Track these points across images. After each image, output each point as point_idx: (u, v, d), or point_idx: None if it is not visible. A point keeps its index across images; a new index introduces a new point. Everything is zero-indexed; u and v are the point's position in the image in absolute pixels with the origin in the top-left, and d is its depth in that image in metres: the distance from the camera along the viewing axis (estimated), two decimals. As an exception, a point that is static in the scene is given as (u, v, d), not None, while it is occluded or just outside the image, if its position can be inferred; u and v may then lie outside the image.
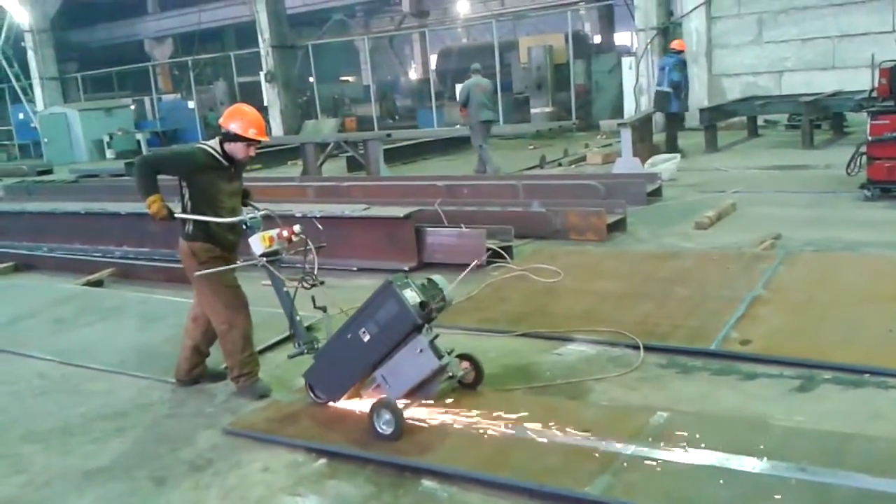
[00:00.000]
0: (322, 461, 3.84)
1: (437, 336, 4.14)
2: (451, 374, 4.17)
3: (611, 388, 4.44)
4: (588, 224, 8.06)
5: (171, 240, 8.78)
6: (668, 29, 17.90)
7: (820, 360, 4.49)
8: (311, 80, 25.28)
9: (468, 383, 4.34)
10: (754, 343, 4.79)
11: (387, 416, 3.87)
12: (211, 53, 29.57)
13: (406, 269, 7.30)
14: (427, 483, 3.55)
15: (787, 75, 16.63)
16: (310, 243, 4.50)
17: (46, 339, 6.18)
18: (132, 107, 27.68)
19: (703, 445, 3.54)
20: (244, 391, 4.69)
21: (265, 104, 24.09)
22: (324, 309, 4.42)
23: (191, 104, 27.30)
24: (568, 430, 3.77)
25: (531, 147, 17.10)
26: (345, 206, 8.37)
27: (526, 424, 3.88)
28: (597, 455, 3.54)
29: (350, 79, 35.07)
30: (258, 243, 4.46)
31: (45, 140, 25.00)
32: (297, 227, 4.52)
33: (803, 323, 5.09)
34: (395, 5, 33.94)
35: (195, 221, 4.56)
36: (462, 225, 7.62)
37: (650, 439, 3.64)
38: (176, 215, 4.55)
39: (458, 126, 21.35)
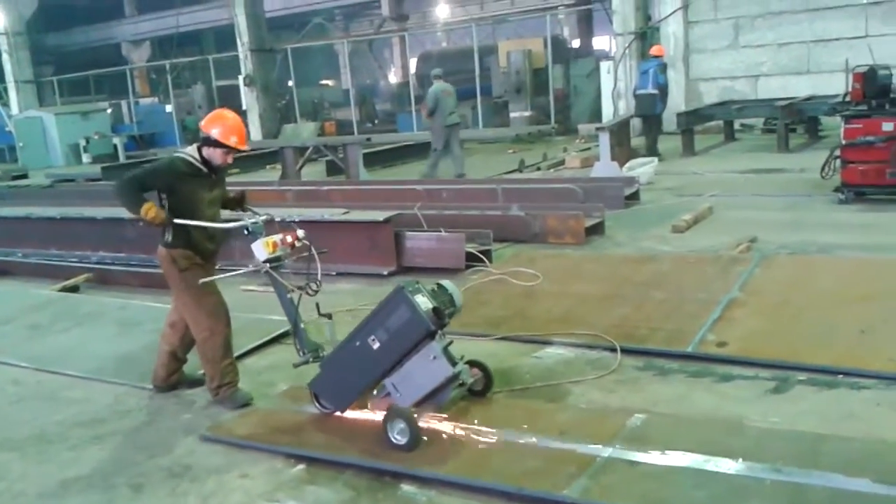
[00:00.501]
0: (300, 467, 3.83)
1: (450, 343, 4.07)
2: (461, 381, 4.08)
3: (589, 390, 4.47)
4: (566, 227, 8.11)
5: (148, 245, 8.73)
6: (646, 34, 18.03)
7: (795, 361, 4.55)
8: (291, 83, 25.20)
9: (478, 391, 4.26)
10: (730, 345, 4.84)
11: (401, 425, 3.76)
12: (189, 57, 29.44)
13: (385, 273, 7.31)
14: (406, 487, 3.56)
15: (763, 79, 16.81)
16: (312, 248, 4.38)
17: (22, 346, 6.12)
18: (109, 111, 27.40)
19: (679, 447, 3.57)
20: (224, 401, 4.62)
21: (244, 108, 23.99)
22: (329, 316, 4.33)
23: (168, 108, 27.13)
24: (546, 433, 3.79)
25: (511, 151, 17.16)
26: (324, 211, 8.36)
27: (505, 428, 3.89)
28: (575, 458, 3.56)
29: (329, 82, 35.03)
30: (261, 249, 4.33)
31: (21, 144, 24.69)
32: (300, 232, 4.42)
33: (778, 325, 5.15)
34: (374, 9, 33.94)
35: (175, 229, 4.47)
36: (441, 229, 7.64)
37: (627, 441, 3.67)
38: (176, 221, 4.42)
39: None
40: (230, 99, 24.91)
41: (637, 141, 14.68)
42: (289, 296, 4.38)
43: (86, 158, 23.79)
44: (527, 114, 20.47)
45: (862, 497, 3.10)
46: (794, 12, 16.30)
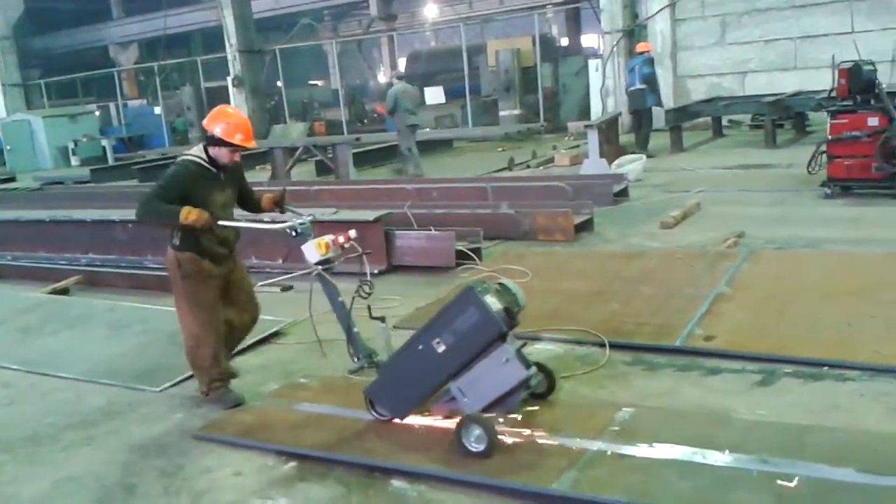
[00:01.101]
0: (292, 464, 3.86)
1: (523, 345, 3.94)
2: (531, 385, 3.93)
3: (578, 385, 4.50)
4: (556, 225, 8.15)
5: (137, 247, 8.81)
6: (634, 31, 18.11)
7: (781, 354, 4.59)
8: (280, 84, 25.19)
9: (540, 393, 4.10)
10: (718, 339, 4.89)
11: (477, 431, 3.60)
12: (177, 58, 29.35)
13: (375, 272, 7.32)
14: (396, 483, 3.59)
15: (750, 76, 16.89)
16: (359, 249, 4.23)
17: (12, 349, 6.12)
18: (97, 113, 27.35)
19: (667, 440, 3.61)
20: (216, 401, 4.62)
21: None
22: (382, 319, 4.16)
23: (157, 110, 27.05)
24: (535, 427, 3.83)
25: (500, 149, 17.20)
26: (314, 210, 8.36)
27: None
28: (564, 452, 3.60)
29: (319, 83, 34.99)
30: (313, 251, 4.14)
31: (8, 148, 24.59)
32: (352, 233, 4.26)
33: (765, 319, 5.20)
34: (363, 9, 33.94)
35: (183, 231, 4.33)
36: (431, 228, 7.67)
37: (616, 435, 3.71)
38: (220, 222, 4.32)
39: (428, 129, 21.45)
40: (219, 100, 24.77)
41: (626, 138, 14.75)
42: (340, 299, 4.21)
43: (74, 161, 23.73)
44: (516, 112, 20.52)
45: (846, 486, 3.15)
46: (780, 9, 16.39)
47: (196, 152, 4.42)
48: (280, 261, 7.72)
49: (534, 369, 3.89)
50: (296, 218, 4.40)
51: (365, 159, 16.24)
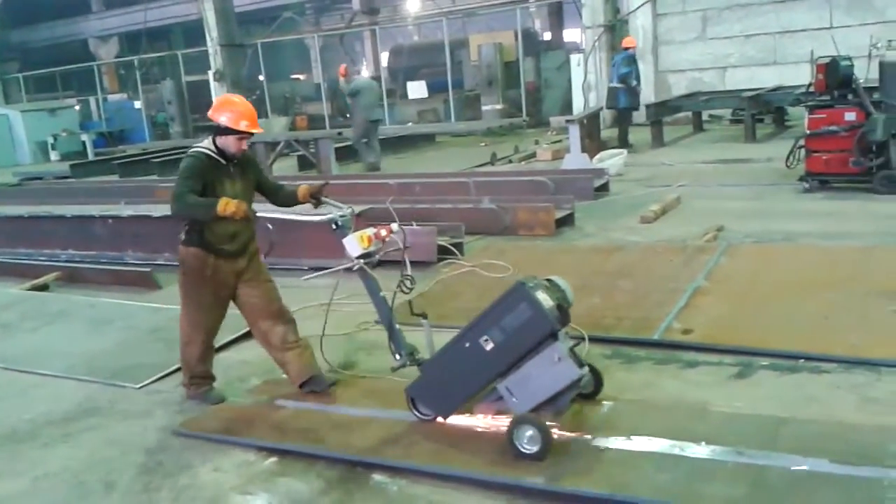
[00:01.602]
0: (273, 459, 3.86)
1: (577, 344, 3.80)
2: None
3: (558, 379, 4.52)
4: (537, 220, 8.19)
5: (118, 242, 8.76)
6: (616, 26, 18.18)
7: (758, 347, 4.64)
8: (261, 78, 25.08)
9: (588, 393, 3.99)
10: (696, 332, 4.93)
11: (530, 432, 3.48)
12: (158, 52, 29.14)
13: (355, 268, 7.32)
14: (377, 477, 3.60)
15: (730, 71, 17.03)
16: (400, 244, 4.10)
17: (-9, 346, 6.08)
18: (77, 107, 27.14)
19: (645, 432, 3.65)
20: (196, 398, 4.62)
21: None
22: (424, 316, 4.06)
23: (137, 104, 26.90)
24: (515, 421, 3.86)
25: (483, 144, 17.23)
26: (295, 207, 8.35)
27: (475, 415, 3.94)
28: (543, 445, 3.62)
29: (301, 77, 34.86)
30: (355, 244, 4.04)
31: (-13, 142, 24.41)
32: (394, 226, 4.15)
33: (743, 312, 5.26)
34: (345, 3, 33.85)
35: (191, 225, 4.26)
36: (413, 223, 7.67)
37: (595, 428, 3.75)
38: (259, 214, 4.22)
39: (411, 123, 21.47)
40: (200, 94, 24.77)
41: (608, 133, 14.81)
42: (382, 294, 4.12)
43: (54, 156, 23.57)
44: (498, 107, 20.57)
45: (819, 477, 3.20)
46: (760, 4, 16.53)
47: (206, 144, 4.33)
48: (262, 256, 7.68)
49: (586, 369, 3.79)
50: (335, 210, 4.28)
51: (347, 154, 16.20)
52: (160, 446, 4.14)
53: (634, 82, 14.10)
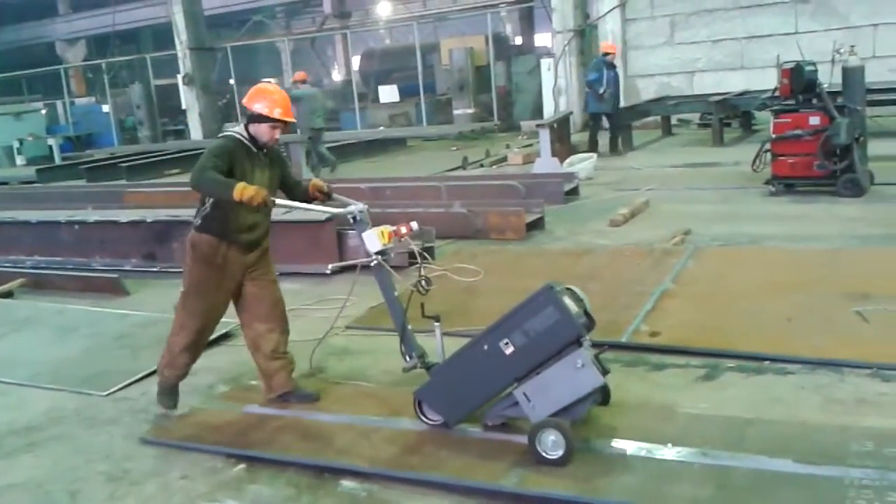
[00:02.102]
0: (241, 466, 3.83)
1: (602, 351, 3.77)
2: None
3: (527, 383, 4.54)
4: (508, 223, 8.22)
5: (85, 248, 8.66)
6: (585, 31, 18.32)
7: (724, 349, 4.70)
8: (232, 82, 24.91)
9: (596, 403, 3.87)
10: (663, 335, 4.98)
11: (553, 437, 3.43)
12: (126, 55, 28.84)
13: (328, 272, 7.31)
14: (346, 483, 3.59)
15: (698, 75, 17.23)
16: (412, 244, 4.06)
17: (-47, 354, 5.97)
18: (43, 111, 26.73)
19: (612, 435, 3.68)
20: (160, 390, 4.52)
21: (183, 107, 23.65)
22: (436, 318, 3.98)
23: (105, 108, 26.56)
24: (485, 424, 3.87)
25: (454, 148, 17.27)
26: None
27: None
28: (512, 448, 3.63)
29: (272, 81, 34.64)
30: (375, 239, 3.97)
31: (-49, 147, 23.97)
32: (414, 224, 4.08)
33: (709, 314, 5.32)
34: (316, 6, 33.73)
35: (211, 209, 4.15)
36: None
37: (563, 431, 3.77)
38: (278, 202, 4.08)
39: (382, 127, 21.46)
40: (169, 98, 24.56)
41: (578, 137, 14.90)
42: (396, 293, 4.07)
43: (20, 160, 23.21)
44: (470, 111, 20.63)
45: (783, 477, 3.24)
46: (727, 9, 16.76)
47: (239, 129, 4.26)
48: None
49: (609, 376, 3.74)
50: (352, 206, 4.22)
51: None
52: (127, 454, 4.09)
53: (602, 88, 13.74)
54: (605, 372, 3.65)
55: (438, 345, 3.98)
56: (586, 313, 3.63)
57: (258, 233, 4.34)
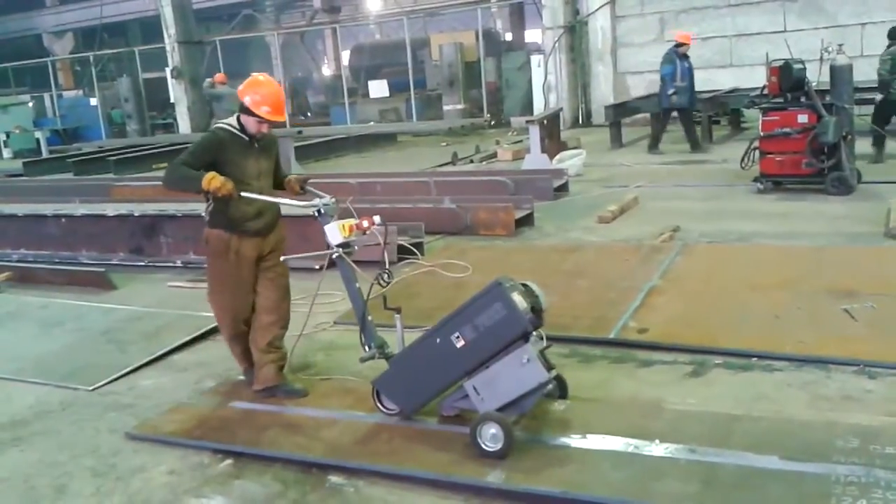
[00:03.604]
0: (228, 462, 3.82)
1: (548, 346, 3.83)
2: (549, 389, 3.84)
3: (515, 379, 4.54)
4: (497, 219, 8.22)
5: (71, 242, 8.60)
6: (575, 28, 18.32)
7: (711, 346, 4.72)
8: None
9: (554, 397, 3.99)
10: (651, 331, 5.00)
11: (493, 430, 3.49)
12: (114, 48, 28.64)
13: (317, 267, 7.27)
14: (333, 479, 3.59)
15: (688, 73, 17.22)
16: (379, 237, 4.16)
17: (-62, 348, 5.92)
18: (30, 104, 26.53)
19: (600, 431, 3.69)
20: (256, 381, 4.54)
21: (172, 101, 23.52)
22: (397, 311, 4.04)
23: (93, 101, 26.37)
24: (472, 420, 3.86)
25: (444, 144, 17.24)
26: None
27: (430, 416, 3.94)
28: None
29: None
30: (336, 232, 4.08)
31: (-64, 139, 23.76)
32: (377, 218, 4.16)
33: (697, 311, 5.34)
34: (306, 0, 33.58)
35: (214, 205, 4.22)
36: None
37: (550, 427, 3.77)
38: (243, 194, 4.13)
39: (372, 123, 21.40)
40: (158, 91, 24.42)
41: (567, 133, 14.89)
42: (357, 285, 4.13)
43: (6, 153, 23.06)
44: (460, 107, 20.58)
45: (769, 473, 3.26)
46: (716, 7, 16.78)
47: (230, 120, 4.32)
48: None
49: (555, 372, 3.80)
50: (318, 199, 4.27)
51: (308, 153, 16.10)
52: (113, 449, 4.07)
53: (676, 82, 12.52)
54: (550, 367, 3.72)
55: (399, 336, 4.04)
56: (535, 310, 3.67)
57: (266, 218, 4.38)
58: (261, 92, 4.22)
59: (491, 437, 3.50)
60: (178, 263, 7.93)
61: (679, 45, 12.89)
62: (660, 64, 13.08)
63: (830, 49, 9.08)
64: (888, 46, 10.50)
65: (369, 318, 4.10)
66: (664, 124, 13.39)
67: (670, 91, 12.62)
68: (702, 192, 9.64)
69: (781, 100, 9.13)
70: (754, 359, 4.53)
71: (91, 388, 4.90)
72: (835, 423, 3.70)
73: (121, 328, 5.97)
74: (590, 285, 5.99)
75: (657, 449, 3.51)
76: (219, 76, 15.71)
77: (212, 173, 4.03)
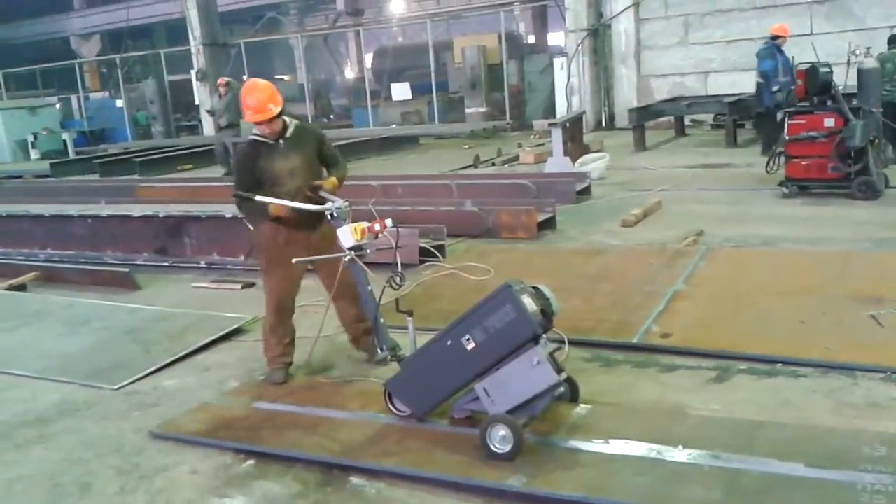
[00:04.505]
0: (250, 462, 3.84)
1: (557, 349, 3.87)
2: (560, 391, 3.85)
3: (537, 382, 4.53)
4: (519, 222, 8.20)
5: (97, 242, 8.70)
6: (599, 30, 18.26)
7: (735, 351, 4.67)
8: (245, 78, 24.94)
9: (565, 401, 3.99)
10: (674, 336, 4.95)
11: (502, 432, 3.49)
12: (140, 51, 28.96)
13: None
14: (355, 480, 3.59)
15: (712, 76, 17.12)
16: (391, 240, 4.21)
17: (-34, 346, 6.01)
18: (58, 106, 26.90)
19: (622, 436, 3.66)
20: (266, 376, 4.76)
21: (196, 103, 23.72)
22: (409, 313, 4.07)
23: (119, 103, 26.70)
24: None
25: (466, 147, 17.24)
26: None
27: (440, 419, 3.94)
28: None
29: (285, 77, 34.72)
30: (349, 235, 4.18)
31: (-34, 140, 24.12)
32: (388, 222, 4.22)
33: (721, 316, 5.28)
34: (329, 3, 33.78)
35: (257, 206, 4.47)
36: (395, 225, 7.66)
37: (572, 431, 3.76)
38: (256, 198, 4.41)
39: (394, 125, 21.47)
40: (183, 94, 24.65)
41: (590, 136, 14.82)
42: (369, 288, 4.23)
43: (34, 155, 23.36)
44: (482, 109, 20.60)
45: (794, 481, 3.22)
46: (742, 10, 16.65)
47: (256, 129, 4.54)
48: (242, 258, 7.68)
49: (564, 375, 3.80)
50: (331, 203, 4.43)
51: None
52: (136, 448, 4.11)
53: (778, 79, 11.71)
54: (559, 370, 3.72)
55: (411, 339, 4.08)
56: (545, 312, 3.68)
57: (304, 213, 4.49)
58: (246, 101, 4.43)
59: (500, 438, 3.51)
60: (202, 264, 7.99)
61: (776, 37, 12.17)
62: (758, 60, 12.25)
63: (857, 52, 8.98)
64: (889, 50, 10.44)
65: (382, 320, 4.17)
66: (775, 124, 11.17)
67: (774, 88, 11.71)
68: (726, 196, 9.56)
69: (808, 103, 9.02)
70: (779, 365, 4.48)
71: (116, 387, 4.94)
72: (861, 430, 3.65)
73: (145, 328, 6.03)
74: (612, 289, 5.96)
75: (680, 455, 3.48)
76: (221, 80, 15.65)
77: (272, 205, 4.36)
